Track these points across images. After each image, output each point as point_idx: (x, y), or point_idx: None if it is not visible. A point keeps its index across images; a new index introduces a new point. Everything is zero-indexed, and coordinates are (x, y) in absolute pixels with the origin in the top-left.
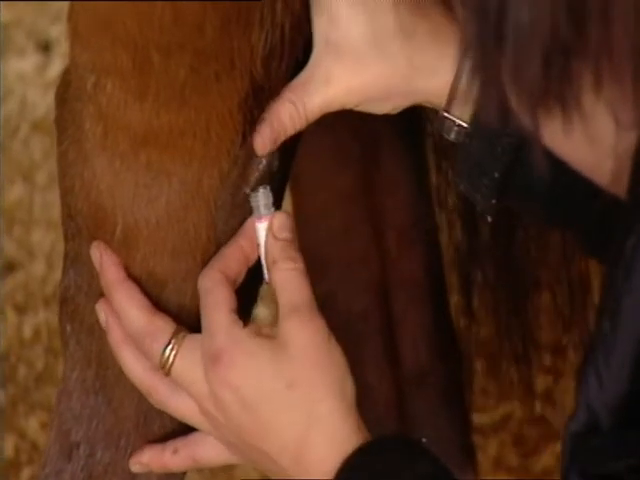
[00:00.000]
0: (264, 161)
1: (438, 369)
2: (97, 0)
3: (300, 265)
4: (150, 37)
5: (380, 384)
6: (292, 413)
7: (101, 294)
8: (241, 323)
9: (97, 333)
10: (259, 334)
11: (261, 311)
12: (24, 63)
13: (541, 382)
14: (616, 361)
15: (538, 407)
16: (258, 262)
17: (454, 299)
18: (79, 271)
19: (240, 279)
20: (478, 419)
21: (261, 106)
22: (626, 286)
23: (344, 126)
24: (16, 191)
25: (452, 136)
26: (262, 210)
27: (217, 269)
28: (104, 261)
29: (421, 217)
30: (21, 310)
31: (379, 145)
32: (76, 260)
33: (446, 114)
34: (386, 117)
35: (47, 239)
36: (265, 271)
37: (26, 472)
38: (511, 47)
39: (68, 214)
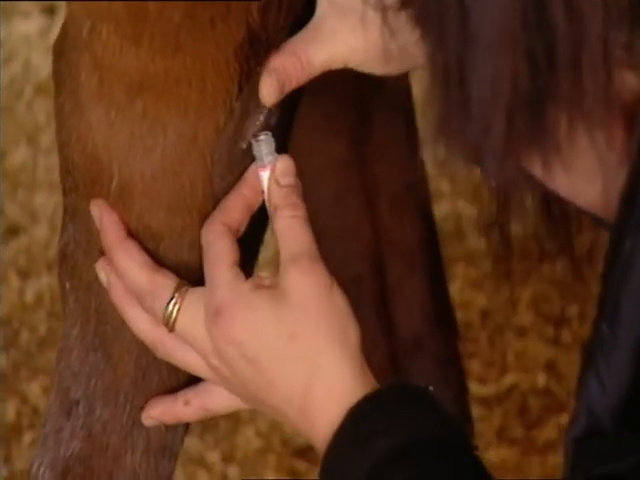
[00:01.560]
0: (261, 117)
1: (433, 337)
2: None
3: (302, 212)
4: None
5: (374, 352)
6: (295, 365)
7: (100, 250)
8: (243, 277)
9: (96, 289)
10: (260, 287)
11: (265, 255)
12: (29, 26)
13: (545, 354)
14: (617, 363)
15: (542, 379)
16: (263, 208)
17: (460, 270)
18: (77, 227)
19: (243, 228)
20: (482, 390)
21: (258, 58)
22: (624, 288)
23: (335, 94)
24: (20, 154)
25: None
26: (265, 157)
27: (219, 221)
28: (104, 220)
29: (414, 185)
30: (24, 275)
31: (370, 113)
32: (74, 215)
33: None
34: (377, 84)
35: (50, 202)
36: (270, 219)
37: (27, 436)
38: (475, 105)
39: (66, 168)
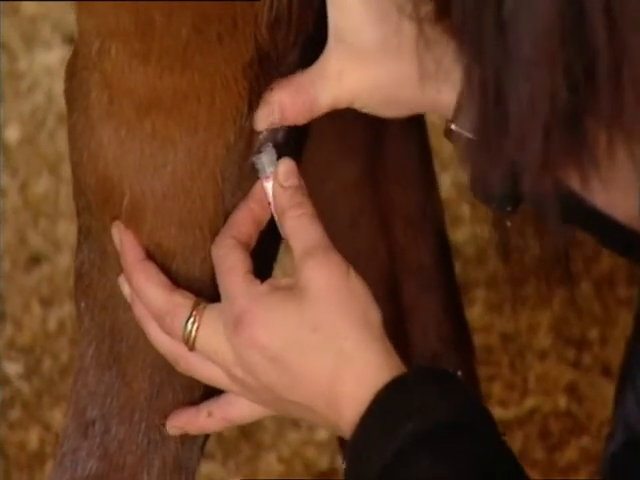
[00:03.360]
0: (265, 131)
1: (449, 357)
2: None
3: (309, 209)
4: None
5: None
6: (320, 356)
7: (114, 269)
8: (258, 282)
9: (110, 308)
10: (277, 287)
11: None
12: (51, 56)
13: (566, 376)
14: None
15: (563, 401)
16: (273, 224)
17: (481, 294)
18: (91, 246)
19: (253, 242)
20: (503, 413)
21: (268, 76)
22: None
23: (348, 115)
24: (42, 184)
25: (459, 146)
26: (267, 169)
27: (228, 235)
28: (124, 241)
29: (428, 206)
30: (46, 303)
31: (384, 134)
32: (88, 235)
33: (453, 126)
34: None
35: (72, 231)
36: (280, 228)
37: (50, 464)
38: (512, 120)
39: (78, 188)
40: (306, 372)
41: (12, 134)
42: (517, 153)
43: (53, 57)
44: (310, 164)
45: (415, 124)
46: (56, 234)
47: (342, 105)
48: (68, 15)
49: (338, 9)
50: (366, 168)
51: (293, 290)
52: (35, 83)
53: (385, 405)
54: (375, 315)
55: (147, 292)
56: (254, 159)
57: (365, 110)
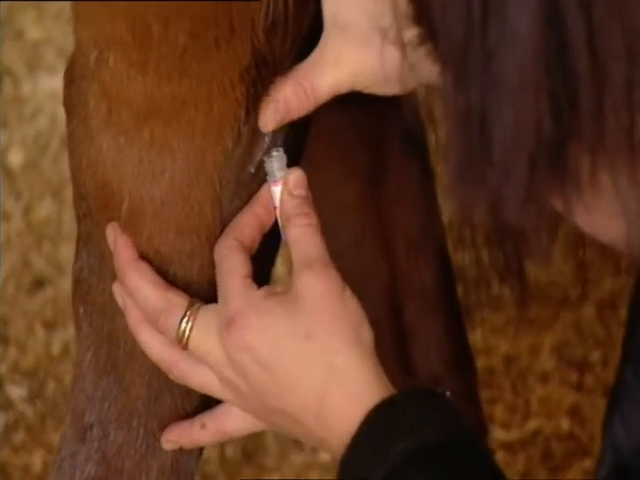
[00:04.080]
0: (267, 139)
1: (451, 378)
2: None
3: (314, 221)
4: (147, 5)
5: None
6: (310, 367)
7: (113, 274)
8: (255, 287)
9: (109, 314)
10: (273, 294)
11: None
12: (54, 81)
13: (568, 399)
14: None
15: (565, 424)
16: (276, 228)
17: (482, 316)
18: (91, 252)
19: (256, 246)
20: (506, 436)
21: (265, 81)
22: None
23: (348, 136)
24: (45, 208)
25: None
26: (277, 173)
27: (232, 237)
28: (117, 242)
29: (430, 228)
30: (50, 326)
31: (384, 154)
32: (88, 241)
33: None
34: (392, 125)
35: None
36: (282, 232)
37: None
38: (497, 148)
39: (79, 194)
40: (295, 380)
41: (16, 158)
42: (502, 182)
43: (57, 82)
44: (312, 185)
45: (417, 145)
46: (59, 257)
47: (343, 89)
48: (72, 40)
49: None
50: (367, 189)
51: (288, 296)
52: (38, 108)
53: (376, 425)
54: (367, 334)
55: (141, 290)
56: (265, 161)
57: (368, 90)
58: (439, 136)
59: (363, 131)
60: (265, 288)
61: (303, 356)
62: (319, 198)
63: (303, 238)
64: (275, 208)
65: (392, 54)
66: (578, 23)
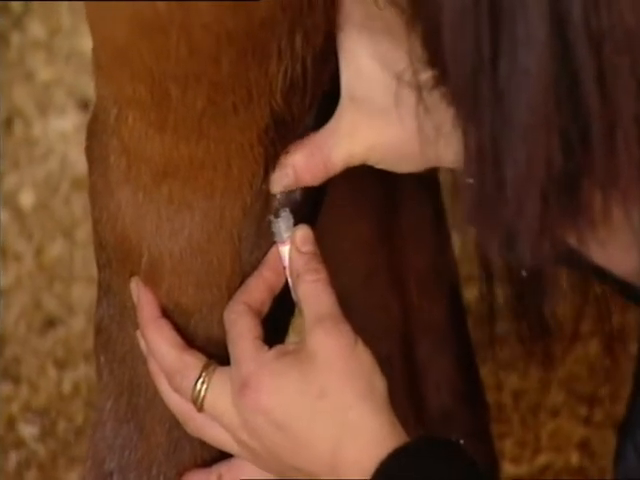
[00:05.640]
0: (278, 196)
1: (462, 414)
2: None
3: (324, 276)
4: (166, 69)
5: (404, 429)
6: (324, 424)
7: (133, 323)
8: (266, 348)
9: (129, 362)
10: (285, 353)
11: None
12: (65, 122)
13: (578, 433)
14: None
15: (575, 458)
16: (287, 291)
17: (492, 351)
18: (111, 301)
19: (265, 309)
20: (516, 470)
21: (284, 139)
22: None
23: (362, 175)
24: (56, 248)
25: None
26: (284, 234)
27: (240, 301)
28: (141, 297)
29: (442, 265)
30: (61, 365)
31: (397, 191)
32: (108, 291)
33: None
34: None
35: (87, 295)
36: (293, 292)
37: None
38: (509, 186)
39: (99, 244)
40: (310, 438)
41: (27, 199)
42: (515, 218)
43: (67, 123)
44: (326, 222)
45: (429, 183)
46: (71, 297)
47: (356, 162)
48: (82, 80)
49: (351, 68)
50: (381, 227)
51: (301, 355)
52: (49, 149)
53: (388, 475)
54: (380, 385)
55: (159, 349)
56: (272, 222)
57: (380, 166)
58: (452, 173)
59: (375, 168)
60: (276, 348)
61: (317, 414)
62: (333, 235)
63: (313, 294)
64: (285, 268)
65: (410, 123)
66: (588, 60)
